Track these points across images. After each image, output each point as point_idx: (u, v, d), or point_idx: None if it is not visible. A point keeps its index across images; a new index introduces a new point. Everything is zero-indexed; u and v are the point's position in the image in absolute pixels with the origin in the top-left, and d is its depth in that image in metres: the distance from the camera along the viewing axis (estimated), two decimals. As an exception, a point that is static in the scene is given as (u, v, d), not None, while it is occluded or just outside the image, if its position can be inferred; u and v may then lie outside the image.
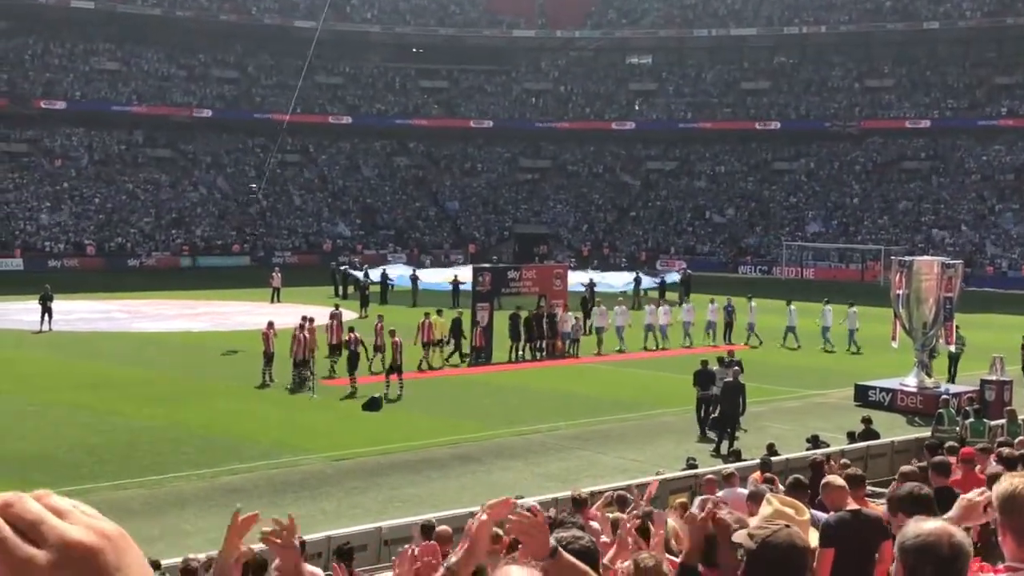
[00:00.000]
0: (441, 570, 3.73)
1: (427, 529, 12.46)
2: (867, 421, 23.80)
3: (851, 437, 22.82)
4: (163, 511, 20.01)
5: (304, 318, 33.99)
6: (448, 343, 38.19)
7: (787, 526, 4.31)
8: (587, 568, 3.87)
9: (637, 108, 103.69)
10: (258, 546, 11.29)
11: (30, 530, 1.23)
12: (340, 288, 58.06)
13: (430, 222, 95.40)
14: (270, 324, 33.83)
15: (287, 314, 39.63)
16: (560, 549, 3.75)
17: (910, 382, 31.44)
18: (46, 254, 76.18)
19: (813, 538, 4.72)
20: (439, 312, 38.53)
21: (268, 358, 33.15)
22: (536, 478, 22.53)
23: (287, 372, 32.81)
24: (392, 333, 32.55)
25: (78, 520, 1.27)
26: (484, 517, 3.69)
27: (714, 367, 28.71)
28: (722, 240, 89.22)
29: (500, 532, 4.06)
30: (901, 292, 31.60)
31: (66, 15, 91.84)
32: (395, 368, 31.81)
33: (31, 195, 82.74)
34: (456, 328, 38.53)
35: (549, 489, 19.70)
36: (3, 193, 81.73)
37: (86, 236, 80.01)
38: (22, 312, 47.24)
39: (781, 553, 4.11)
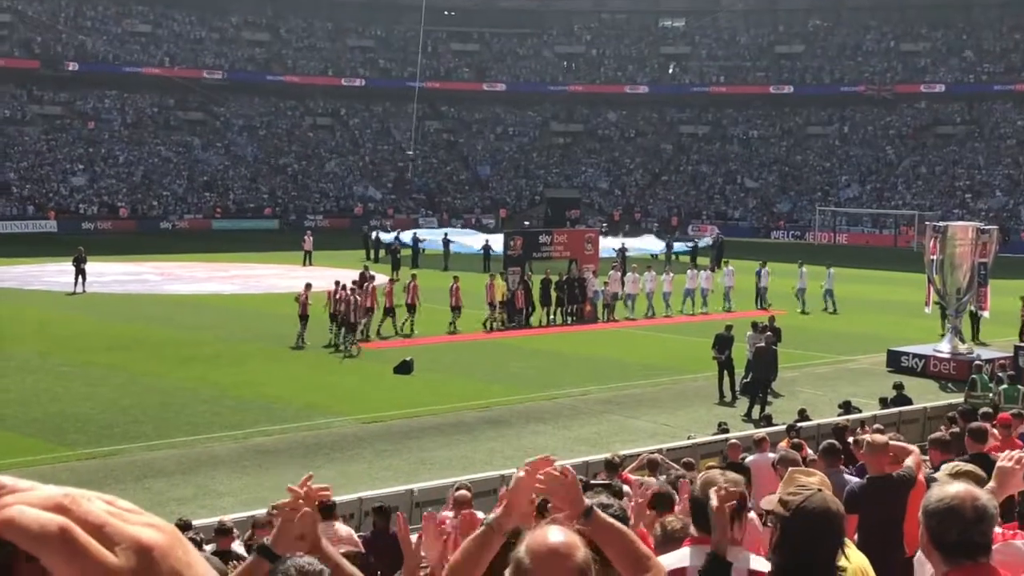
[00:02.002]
0: (481, 527, 3.71)
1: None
2: (899, 387, 23.68)
3: (883, 403, 22.73)
4: (196, 472, 20.14)
5: (354, 280, 34.48)
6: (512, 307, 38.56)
7: (820, 490, 4.24)
8: (622, 528, 3.82)
9: (670, 71, 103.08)
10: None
11: (96, 533, 1.18)
12: (371, 252, 58.15)
13: (461, 186, 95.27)
14: (307, 286, 33.85)
15: (319, 277, 39.68)
16: (595, 509, 3.71)
17: (943, 348, 31.26)
18: (80, 216, 76.54)
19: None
20: (502, 274, 39.55)
21: (304, 320, 33.22)
22: (567, 442, 22.55)
23: (320, 334, 32.89)
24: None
25: (133, 519, 1.22)
26: (523, 474, 3.67)
27: (749, 332, 28.64)
28: (754, 205, 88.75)
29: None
30: (935, 258, 31.37)
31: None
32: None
33: (64, 157, 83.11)
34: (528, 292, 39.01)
35: (580, 453, 19.72)
36: (37, 155, 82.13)
37: (119, 198, 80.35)
38: (56, 274, 47.52)
39: (816, 518, 4.05)
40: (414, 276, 37.16)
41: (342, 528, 12.25)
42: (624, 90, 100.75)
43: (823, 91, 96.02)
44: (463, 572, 3.67)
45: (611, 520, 3.73)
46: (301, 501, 3.92)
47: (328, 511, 12.12)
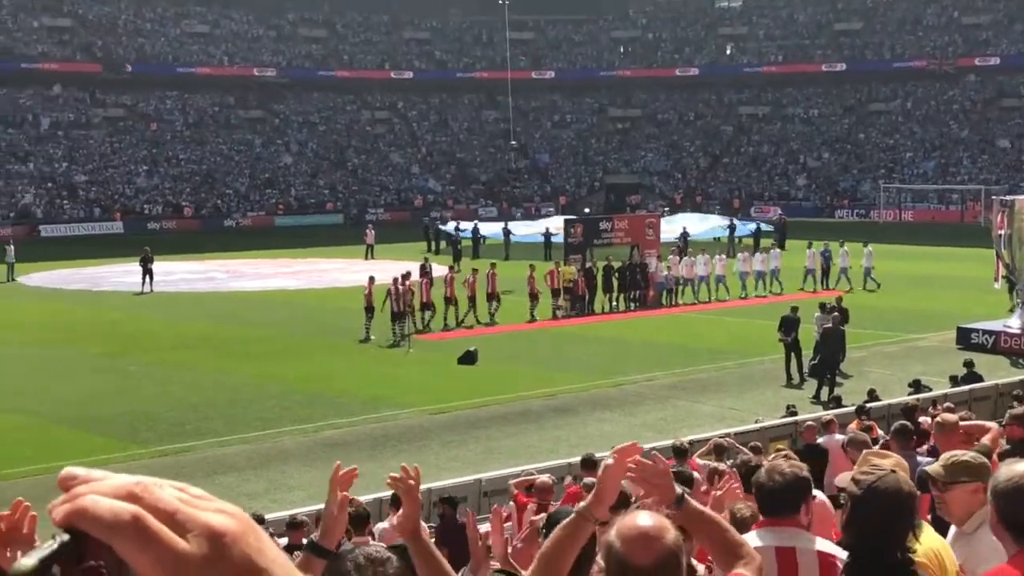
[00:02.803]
0: (572, 515, 3.71)
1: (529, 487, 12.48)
2: (969, 364, 23.42)
3: (954, 381, 22.49)
4: (266, 466, 20.32)
5: (403, 274, 34.53)
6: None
7: (893, 471, 4.21)
8: (715, 516, 3.81)
9: (728, 52, 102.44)
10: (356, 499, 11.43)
11: (168, 521, 1.19)
12: (432, 243, 58.32)
13: (520, 175, 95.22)
14: (371, 279, 33.95)
15: (381, 270, 39.86)
16: (687, 496, 3.69)
17: (1013, 323, 30.84)
18: (145, 216, 77.40)
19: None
20: (565, 262, 39.73)
21: (369, 312, 33.36)
22: (633, 428, 22.48)
23: (384, 327, 33.04)
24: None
25: (205, 507, 1.23)
26: (611, 461, 3.65)
27: (816, 314, 28.43)
28: (817, 185, 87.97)
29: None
30: (1003, 232, 30.94)
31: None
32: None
33: (128, 159, 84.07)
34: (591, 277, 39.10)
35: (647, 439, 19.64)
36: (102, 158, 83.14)
37: (183, 198, 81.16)
38: (124, 275, 48.08)
39: (888, 498, 4.02)
40: (475, 270, 37.17)
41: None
42: (681, 73, 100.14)
43: (883, 67, 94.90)
44: (554, 561, 3.67)
45: (702, 508, 3.72)
46: (412, 481, 3.97)
47: (393, 502, 12.17)
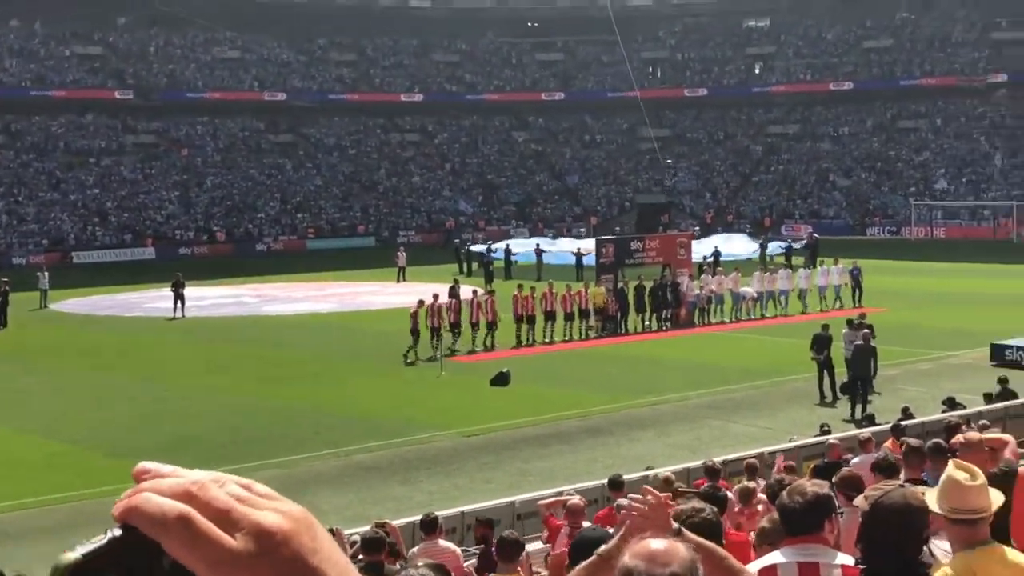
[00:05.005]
0: (593, 557, 3.76)
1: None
2: (1004, 381, 23.26)
3: (988, 398, 22.34)
4: (300, 490, 20.34)
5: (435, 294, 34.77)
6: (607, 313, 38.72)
7: (902, 486, 4.31)
8: (712, 545, 3.88)
9: (757, 72, 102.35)
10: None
11: (220, 519, 1.21)
12: (464, 265, 58.39)
13: (550, 196, 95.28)
14: (420, 303, 33.92)
15: (413, 293, 39.94)
16: (683, 530, 3.78)
17: (1048, 340, 30.65)
18: (176, 242, 77.79)
19: (996, 501, 4.65)
20: (596, 283, 40.24)
21: (414, 335, 33.39)
22: (667, 448, 22.47)
23: (423, 347, 33.10)
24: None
25: (264, 505, 1.25)
26: (636, 515, 3.72)
27: (844, 330, 28.31)
28: (848, 202, 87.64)
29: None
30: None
31: (186, 6, 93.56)
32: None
33: (160, 185, 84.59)
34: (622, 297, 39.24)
35: (680, 459, 19.64)
36: (134, 184, 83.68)
37: (214, 223, 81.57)
38: (156, 300, 48.35)
39: (894, 513, 4.12)
40: (492, 291, 37.53)
41: (446, 545, 12.26)
42: (708, 93, 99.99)
43: (913, 84, 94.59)
44: None
45: (700, 539, 3.79)
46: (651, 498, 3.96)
47: (431, 526, 12.17)
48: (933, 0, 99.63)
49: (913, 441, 10.15)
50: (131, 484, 1.26)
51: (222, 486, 1.25)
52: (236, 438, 24.22)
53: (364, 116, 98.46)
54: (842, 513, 5.47)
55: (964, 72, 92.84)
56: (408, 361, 32.98)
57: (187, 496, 1.22)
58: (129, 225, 78.88)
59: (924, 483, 8.47)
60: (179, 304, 44.53)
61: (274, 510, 1.24)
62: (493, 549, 10.99)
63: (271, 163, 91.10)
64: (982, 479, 4.63)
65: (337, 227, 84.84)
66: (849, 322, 29.20)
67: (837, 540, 4.83)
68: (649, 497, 3.79)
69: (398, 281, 54.63)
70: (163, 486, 1.23)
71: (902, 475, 9.47)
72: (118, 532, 1.19)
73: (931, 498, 4.57)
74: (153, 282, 53.30)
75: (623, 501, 3.83)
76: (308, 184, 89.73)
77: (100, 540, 1.19)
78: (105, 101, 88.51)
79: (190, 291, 45.83)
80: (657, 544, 2.81)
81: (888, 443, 15.96)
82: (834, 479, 10.06)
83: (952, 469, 4.68)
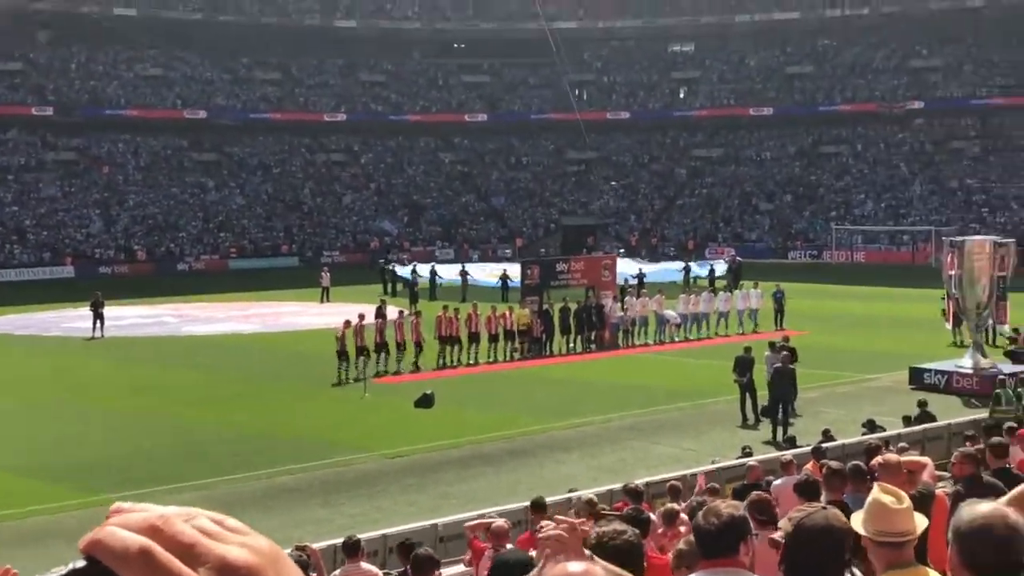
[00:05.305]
0: None
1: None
2: (923, 404, 23.56)
3: (907, 421, 22.61)
4: (221, 512, 20.07)
5: (360, 314, 34.54)
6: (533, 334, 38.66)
7: (824, 508, 4.32)
8: (620, 572, 3.86)
9: (681, 96, 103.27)
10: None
11: (184, 553, 1.22)
12: (389, 286, 58.21)
13: (476, 217, 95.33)
14: (347, 323, 33.57)
15: (337, 314, 39.72)
16: (594, 557, 3.75)
17: (965, 363, 31.08)
18: (96, 261, 76.79)
19: (920, 524, 4.68)
20: (522, 304, 40.21)
21: (341, 356, 33.11)
22: (591, 471, 22.47)
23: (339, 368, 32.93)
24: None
25: (231, 540, 1.25)
26: (553, 540, 3.70)
27: (767, 353, 28.55)
28: (770, 226, 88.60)
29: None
30: (953, 273, 31.27)
31: (109, 23, 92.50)
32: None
33: (80, 202, 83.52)
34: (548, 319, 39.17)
35: (603, 481, 19.64)
36: (53, 202, 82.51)
37: (135, 241, 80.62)
38: (75, 319, 47.64)
39: (816, 535, 4.13)
40: (418, 312, 37.57)
41: (368, 568, 12.14)
42: (635, 116, 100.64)
43: (834, 110, 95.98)
44: None
45: (608, 566, 3.77)
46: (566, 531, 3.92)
47: (352, 549, 12.04)
48: (854, 28, 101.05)
49: (834, 464, 10.22)
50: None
51: (188, 520, 1.26)
52: (155, 459, 23.87)
53: (289, 135, 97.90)
54: (756, 536, 5.47)
55: (884, 99, 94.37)
56: (336, 382, 32.74)
57: (152, 530, 1.24)
58: (48, 243, 77.73)
59: (845, 505, 8.53)
60: (98, 324, 43.91)
61: (240, 544, 1.25)
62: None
63: (193, 181, 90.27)
64: (908, 503, 4.65)
65: (260, 247, 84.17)
66: (772, 345, 29.47)
67: (752, 563, 4.81)
68: (563, 524, 3.78)
69: (322, 302, 54.33)
70: (130, 520, 1.25)
71: (823, 497, 9.53)
72: (80, 564, 1.21)
73: (856, 520, 4.59)
74: (72, 301, 52.52)
75: (547, 525, 3.78)
76: (231, 203, 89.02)
77: (61, 571, 1.21)
78: (25, 117, 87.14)
79: (110, 311, 45.22)
80: (575, 567, 2.77)
81: (809, 465, 16.07)
82: (745, 502, 10.11)
83: (878, 492, 4.70)
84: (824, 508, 4.32)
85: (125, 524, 1.23)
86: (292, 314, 51.01)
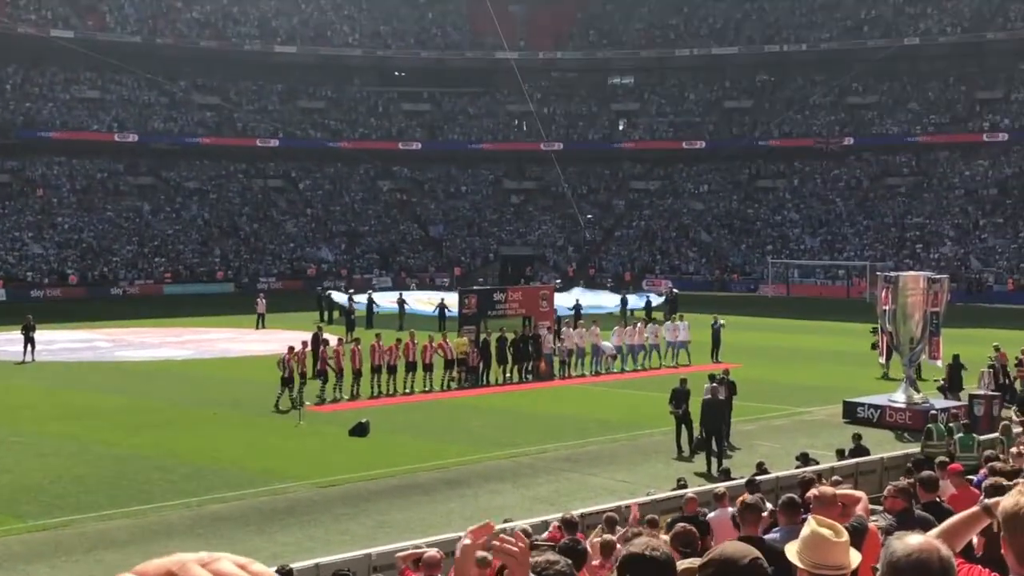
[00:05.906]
0: None
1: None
2: (857, 438, 23.72)
3: (840, 454, 22.74)
4: (150, 541, 19.80)
5: (303, 341, 34.29)
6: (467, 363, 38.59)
7: (652, 536, 4.32)
8: None
9: (621, 128, 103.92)
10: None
11: None
12: (325, 313, 57.92)
13: (415, 245, 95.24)
14: (290, 349, 33.32)
15: (272, 340, 39.45)
16: None
17: (898, 398, 31.39)
18: (29, 284, 75.89)
19: (855, 559, 4.65)
20: (459, 333, 40.28)
21: (284, 383, 32.84)
22: (525, 501, 22.40)
23: (280, 394, 32.65)
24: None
25: None
26: (467, 542, 3.62)
27: (706, 384, 28.63)
28: (707, 259, 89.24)
29: (488, 556, 4.01)
30: (888, 308, 31.60)
31: (46, 44, 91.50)
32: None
33: (13, 225, 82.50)
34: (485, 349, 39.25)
35: (538, 511, 19.59)
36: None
37: (68, 265, 79.72)
38: (4, 343, 46.91)
39: (646, 565, 4.08)
40: (357, 340, 37.49)
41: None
42: (565, 147, 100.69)
43: (772, 145, 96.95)
44: None
45: None
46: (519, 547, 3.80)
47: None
48: (792, 63, 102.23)
49: (750, 498, 10.19)
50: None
51: (208, 564, 1.31)
52: (85, 486, 23.50)
53: (226, 160, 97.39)
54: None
55: (821, 134, 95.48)
56: (281, 409, 32.45)
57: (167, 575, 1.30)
58: (-21, 265, 76.71)
59: (761, 540, 8.53)
60: (29, 347, 43.37)
61: None
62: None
63: (129, 205, 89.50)
64: (846, 536, 4.63)
65: (196, 272, 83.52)
66: (711, 377, 29.57)
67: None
68: (521, 543, 3.70)
69: (257, 328, 53.96)
70: (148, 567, 1.31)
71: (740, 531, 9.55)
72: None
73: (791, 551, 4.56)
74: (2, 324, 51.72)
75: (466, 540, 3.69)
76: (167, 228, 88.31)
77: None
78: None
79: (41, 334, 44.63)
80: None
81: (743, 496, 16.10)
82: (669, 534, 10.10)
83: (816, 525, 4.68)
84: (651, 536, 4.27)
85: (143, 572, 1.29)
86: (227, 340, 50.57)
